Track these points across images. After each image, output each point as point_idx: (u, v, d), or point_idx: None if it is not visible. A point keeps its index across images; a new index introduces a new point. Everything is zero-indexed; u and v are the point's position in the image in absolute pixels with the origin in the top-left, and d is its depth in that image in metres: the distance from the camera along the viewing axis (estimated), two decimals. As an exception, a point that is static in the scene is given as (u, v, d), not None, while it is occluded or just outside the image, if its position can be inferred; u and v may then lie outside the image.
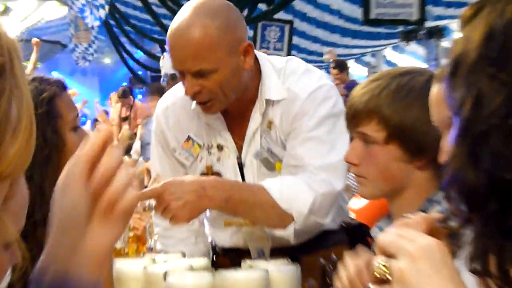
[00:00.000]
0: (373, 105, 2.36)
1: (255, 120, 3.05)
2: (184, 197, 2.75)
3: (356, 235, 3.15)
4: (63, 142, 2.60)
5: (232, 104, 3.01)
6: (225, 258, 3.15)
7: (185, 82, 2.93)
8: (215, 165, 3.13)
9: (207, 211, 3.25)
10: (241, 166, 3.11)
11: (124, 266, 2.67)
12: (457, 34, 1.38)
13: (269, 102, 3.03)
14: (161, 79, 17.38)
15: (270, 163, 3.06)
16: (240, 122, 3.08)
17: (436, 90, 1.98)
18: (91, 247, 1.29)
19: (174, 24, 2.92)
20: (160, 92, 12.30)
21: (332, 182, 2.95)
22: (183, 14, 2.91)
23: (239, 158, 3.11)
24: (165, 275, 2.41)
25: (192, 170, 3.15)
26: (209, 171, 3.12)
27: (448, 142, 1.38)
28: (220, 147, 3.12)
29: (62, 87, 2.68)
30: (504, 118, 1.24)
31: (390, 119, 2.33)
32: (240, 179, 3.10)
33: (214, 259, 3.26)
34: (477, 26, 1.31)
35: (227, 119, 3.11)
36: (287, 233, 2.97)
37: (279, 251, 2.97)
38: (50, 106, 2.58)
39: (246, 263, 2.61)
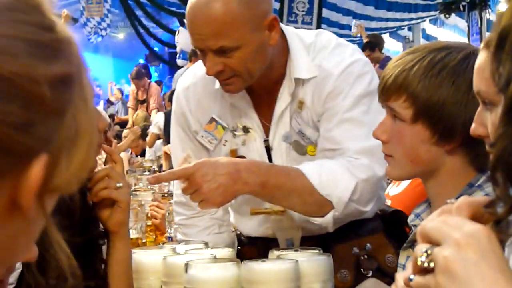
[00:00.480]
0: (402, 79, 2.37)
1: (283, 99, 3.04)
2: (217, 179, 2.74)
3: (392, 223, 3.15)
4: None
5: (258, 82, 3.01)
6: (252, 247, 3.16)
7: (206, 61, 2.92)
8: (240, 149, 3.13)
9: None
10: (268, 150, 3.10)
11: (143, 257, 2.69)
12: (503, 5, 1.38)
13: (298, 81, 3.02)
14: (177, 55, 17.40)
15: (301, 146, 3.05)
16: (268, 102, 3.08)
17: (483, 58, 1.97)
18: None
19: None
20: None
21: (373, 167, 2.93)
22: None
23: (266, 141, 3.11)
24: (186, 266, 2.42)
25: (216, 154, 3.14)
26: (233, 155, 3.11)
27: (486, 117, 1.39)
28: (245, 129, 3.12)
29: None
30: None
31: (419, 96, 2.35)
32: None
33: (240, 248, 3.25)
34: None
35: (253, 99, 3.11)
36: (326, 221, 2.98)
37: (310, 240, 2.97)
38: None
39: (273, 253, 2.62)
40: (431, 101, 2.33)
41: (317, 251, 2.63)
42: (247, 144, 3.12)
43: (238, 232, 3.34)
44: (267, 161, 3.08)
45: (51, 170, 1.06)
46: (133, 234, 3.93)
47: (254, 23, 2.88)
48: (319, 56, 3.05)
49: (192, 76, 3.24)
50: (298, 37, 3.09)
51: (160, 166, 9.08)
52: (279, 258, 2.53)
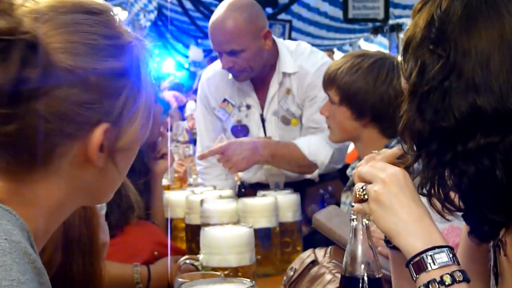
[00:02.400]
0: (333, 76, 2.43)
1: (273, 86, 3.09)
2: (242, 153, 2.87)
3: (345, 174, 3.18)
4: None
5: (258, 74, 3.08)
6: (251, 190, 3.15)
7: (222, 59, 3.01)
8: (243, 119, 3.16)
9: None
10: (263, 121, 3.14)
11: (171, 196, 2.68)
12: (409, 22, 1.38)
13: (285, 74, 3.08)
14: (188, 65, 17.33)
15: (287, 119, 3.10)
16: (263, 88, 3.12)
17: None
18: None
19: (213, 18, 3.00)
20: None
21: None
22: (219, 10, 2.98)
23: (261, 115, 3.14)
24: (201, 202, 2.41)
25: (227, 123, 3.19)
26: (239, 123, 3.17)
27: None
28: (248, 106, 3.15)
29: None
30: (441, 81, 1.24)
31: (343, 87, 2.41)
32: (262, 130, 3.14)
33: (243, 190, 3.26)
34: (422, 15, 1.32)
35: (254, 85, 3.15)
36: (313, 176, 3.09)
37: (290, 185, 2.98)
38: None
39: (260, 193, 2.62)
40: (350, 91, 2.40)
41: (289, 191, 2.63)
42: (249, 117, 3.16)
43: (242, 180, 3.33)
44: (262, 129, 3.13)
45: (116, 133, 1.06)
46: (164, 182, 3.92)
47: (254, 34, 2.96)
48: (299, 59, 3.10)
49: (212, 70, 3.29)
50: (284, 45, 3.16)
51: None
52: (264, 196, 2.53)
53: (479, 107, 1.20)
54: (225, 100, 3.17)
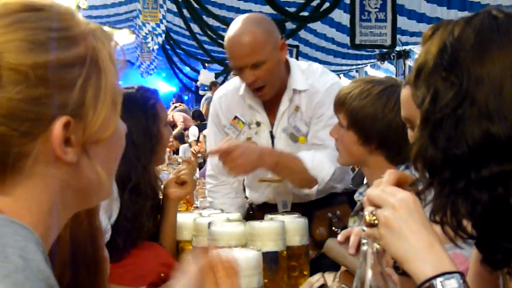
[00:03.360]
0: (343, 100, 2.42)
1: (284, 104, 3.08)
2: (247, 157, 2.81)
3: (353, 198, 3.19)
4: (161, 135, 2.65)
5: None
6: (259, 212, 3.14)
7: (243, 74, 2.97)
8: (253, 137, 3.16)
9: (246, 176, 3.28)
10: (272, 138, 3.14)
11: (179, 218, 2.68)
12: (419, 49, 1.39)
13: (295, 91, 3.07)
14: (199, 88, 17.43)
15: (295, 137, 3.09)
16: (274, 105, 3.11)
17: (406, 92, 1.99)
18: None
19: (230, 33, 2.97)
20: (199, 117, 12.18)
21: None
22: (235, 26, 2.97)
23: (271, 132, 3.14)
24: (209, 224, 2.41)
25: (237, 140, 3.16)
26: (248, 141, 3.16)
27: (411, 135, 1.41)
28: (258, 123, 3.14)
29: (157, 94, 2.72)
30: (454, 109, 1.24)
31: (351, 112, 2.39)
32: (271, 147, 3.12)
33: (251, 213, 3.25)
34: (434, 42, 1.33)
35: (264, 103, 3.14)
36: (311, 192, 3.03)
37: (297, 207, 2.99)
38: (154, 110, 2.62)
39: (268, 217, 2.61)
40: (358, 116, 2.38)
41: (297, 215, 2.63)
42: (258, 134, 3.15)
43: (251, 202, 3.33)
44: (271, 145, 3.12)
45: (81, 125, 1.03)
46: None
47: (273, 44, 2.96)
48: (311, 78, 3.10)
49: (224, 89, 3.30)
50: (296, 64, 3.16)
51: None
52: (272, 220, 2.53)
53: (493, 134, 1.21)
54: (236, 117, 3.19)
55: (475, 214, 1.22)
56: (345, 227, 2.95)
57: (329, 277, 1.82)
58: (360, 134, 2.38)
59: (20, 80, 0.98)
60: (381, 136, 2.33)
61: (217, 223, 2.41)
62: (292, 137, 3.08)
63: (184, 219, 2.67)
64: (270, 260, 2.36)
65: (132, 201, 2.44)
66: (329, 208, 3.04)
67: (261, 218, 2.80)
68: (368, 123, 2.35)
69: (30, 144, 1.00)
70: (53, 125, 1.00)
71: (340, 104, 2.43)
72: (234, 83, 3.23)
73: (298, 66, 3.13)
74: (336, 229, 2.98)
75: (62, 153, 1.02)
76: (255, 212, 3.20)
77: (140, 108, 2.56)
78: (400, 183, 1.37)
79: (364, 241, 1.33)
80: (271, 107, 3.12)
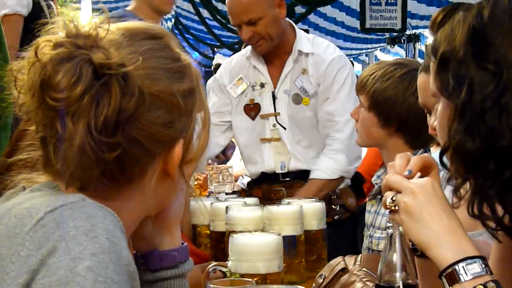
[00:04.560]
0: (365, 82, 2.44)
1: (288, 65, 3.20)
2: None
3: (355, 181, 3.28)
4: None
5: (274, 54, 3.22)
6: (257, 189, 3.24)
7: (241, 31, 3.15)
8: (256, 98, 3.26)
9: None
10: (274, 99, 3.22)
11: (196, 203, 2.67)
12: (435, 36, 1.33)
13: (300, 53, 3.19)
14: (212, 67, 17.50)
15: (299, 98, 3.18)
16: (277, 68, 3.24)
17: (422, 79, 1.99)
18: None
19: None
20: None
21: (350, 145, 3.06)
22: None
23: (273, 92, 3.23)
24: (226, 209, 2.41)
25: (240, 102, 3.30)
26: (251, 102, 3.27)
27: (434, 120, 1.37)
28: (262, 85, 3.25)
29: None
30: (497, 100, 1.19)
31: (372, 94, 2.41)
32: (273, 107, 3.22)
33: (249, 193, 3.31)
34: (457, 28, 1.26)
35: (270, 65, 3.25)
36: (346, 183, 3.21)
37: (300, 176, 3.12)
38: None
39: (285, 201, 2.61)
40: (378, 98, 2.41)
41: (314, 199, 2.63)
42: (262, 95, 3.25)
43: (248, 181, 3.42)
44: (272, 105, 3.21)
45: (186, 148, 1.15)
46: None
47: (269, 2, 3.13)
48: (316, 47, 3.23)
49: (230, 57, 3.51)
50: (302, 32, 3.32)
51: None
52: (289, 204, 2.52)
53: None
54: (240, 78, 3.30)
55: None
56: (343, 205, 3.03)
57: (350, 260, 1.82)
58: (380, 116, 2.39)
59: (161, 106, 1.10)
60: (400, 119, 2.33)
61: (235, 208, 2.41)
62: (295, 99, 3.18)
63: (200, 203, 2.65)
64: (288, 244, 2.35)
65: None
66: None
67: (259, 195, 3.04)
68: (389, 106, 2.36)
69: (155, 163, 1.12)
70: (176, 147, 1.13)
71: (363, 85, 2.44)
72: (244, 50, 3.37)
73: (305, 35, 3.28)
74: (335, 207, 3.03)
75: (174, 172, 1.14)
76: (254, 190, 3.25)
77: None
78: (424, 167, 1.35)
79: (389, 224, 1.32)
80: (275, 69, 3.24)
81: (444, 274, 1.20)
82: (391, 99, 2.36)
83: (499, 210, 1.22)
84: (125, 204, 1.11)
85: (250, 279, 1.57)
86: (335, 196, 3.11)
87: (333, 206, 3.06)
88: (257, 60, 3.26)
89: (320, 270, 2.46)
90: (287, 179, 3.18)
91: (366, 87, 2.42)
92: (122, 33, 1.12)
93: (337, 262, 1.82)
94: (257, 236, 1.88)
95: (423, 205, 1.25)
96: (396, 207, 1.29)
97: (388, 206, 1.29)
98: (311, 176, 3.10)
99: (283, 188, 3.13)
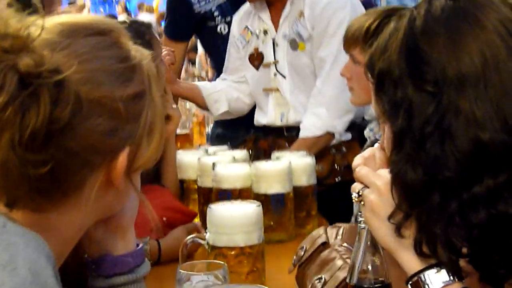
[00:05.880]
0: (357, 36, 2.25)
1: (286, 8, 3.04)
2: None
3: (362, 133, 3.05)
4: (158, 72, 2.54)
5: (274, 1, 3.05)
6: (264, 141, 3.10)
7: None
8: (260, 46, 3.11)
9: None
10: (274, 46, 3.08)
11: (184, 157, 2.60)
12: (369, 50, 1.21)
13: None
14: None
15: (295, 43, 3.00)
16: (278, 12, 3.07)
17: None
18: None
19: None
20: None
21: (339, 94, 2.84)
22: None
23: (273, 39, 3.08)
24: (213, 165, 2.34)
25: (245, 50, 3.17)
26: (256, 51, 3.13)
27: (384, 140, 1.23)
28: (265, 32, 3.09)
29: (151, 28, 2.58)
30: (438, 124, 1.07)
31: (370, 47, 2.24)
32: (273, 55, 3.07)
33: (257, 144, 3.15)
34: (390, 41, 1.14)
35: (270, 10, 3.10)
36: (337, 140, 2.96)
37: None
38: (150, 47, 2.48)
39: (274, 155, 2.53)
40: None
41: (304, 153, 2.54)
42: (265, 43, 3.09)
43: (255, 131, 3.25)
44: (273, 54, 3.06)
45: (134, 156, 1.05)
46: (185, 131, 3.83)
47: None
48: None
49: (238, 12, 3.27)
50: None
51: (207, 72, 8.85)
52: (278, 159, 2.44)
53: (484, 143, 1.04)
54: (245, 27, 3.18)
55: (473, 237, 1.06)
56: (348, 166, 2.83)
57: (332, 233, 1.74)
58: None
59: (102, 113, 0.99)
60: None
61: (222, 164, 2.34)
62: (292, 44, 3.01)
63: (189, 157, 2.58)
64: (276, 202, 2.30)
65: None
66: (334, 144, 2.93)
67: (265, 147, 2.90)
68: None
69: (96, 174, 1.02)
70: (120, 156, 1.03)
71: (354, 39, 2.28)
72: None
73: None
74: (337, 167, 2.89)
75: (119, 182, 1.04)
76: (261, 141, 3.12)
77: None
78: None
79: (360, 218, 1.24)
80: (277, 13, 3.08)
81: (410, 282, 1.12)
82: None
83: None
84: (63, 217, 1.02)
85: (221, 262, 1.51)
86: (340, 156, 2.95)
87: (336, 167, 2.92)
88: (260, 5, 3.11)
89: (310, 225, 2.42)
90: (293, 134, 3.02)
91: (359, 40, 2.27)
92: (60, 31, 1.00)
93: (319, 234, 1.74)
94: (236, 207, 1.80)
95: (390, 204, 1.15)
96: (363, 203, 1.20)
97: (355, 201, 1.21)
98: (301, 132, 2.94)
99: (286, 143, 2.99)
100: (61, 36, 0.99)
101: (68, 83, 0.94)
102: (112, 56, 1.03)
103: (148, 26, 2.51)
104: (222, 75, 3.33)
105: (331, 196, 2.68)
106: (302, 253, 1.71)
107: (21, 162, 0.92)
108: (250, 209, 1.80)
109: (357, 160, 1.28)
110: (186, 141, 3.93)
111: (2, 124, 0.91)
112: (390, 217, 1.13)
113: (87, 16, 1.08)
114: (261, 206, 1.82)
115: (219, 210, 1.79)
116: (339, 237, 1.72)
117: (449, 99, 1.06)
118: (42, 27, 0.96)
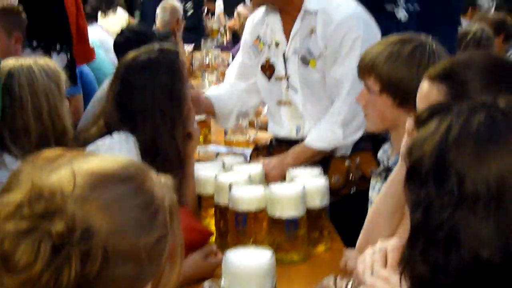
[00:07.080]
0: (371, 65, 2.34)
1: (296, 24, 3.03)
2: (271, 163, 2.95)
3: (379, 143, 3.08)
4: (186, 97, 2.60)
5: (286, 14, 3.04)
6: (279, 149, 3.13)
7: None
8: (271, 58, 3.12)
9: (266, 108, 3.35)
10: (285, 60, 3.07)
11: (202, 171, 2.67)
12: (415, 136, 1.24)
13: (307, 12, 2.98)
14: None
15: (306, 59, 3.01)
16: (290, 23, 3.06)
17: (425, 88, 1.91)
18: None
19: None
20: None
21: (352, 107, 2.85)
22: None
23: (284, 53, 3.08)
24: (230, 187, 2.41)
25: (257, 61, 3.17)
26: (267, 63, 3.13)
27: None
28: (277, 44, 3.09)
29: (178, 53, 2.63)
30: (449, 232, 1.13)
31: (383, 76, 2.31)
32: (284, 69, 3.07)
33: (271, 150, 3.21)
34: (429, 138, 1.18)
35: (283, 23, 3.09)
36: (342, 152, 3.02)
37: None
38: (179, 71, 2.59)
39: (289, 175, 2.60)
40: (391, 79, 2.30)
41: (318, 170, 2.61)
42: (276, 55, 3.10)
43: (271, 139, 3.29)
44: (284, 68, 3.06)
45: (156, 285, 1.10)
46: (201, 117, 3.84)
47: None
48: (326, 4, 2.98)
49: (253, 16, 3.27)
50: None
51: (224, 27, 8.77)
52: (292, 181, 2.51)
53: (482, 261, 1.11)
54: (258, 37, 3.17)
55: None
56: (363, 176, 2.89)
57: (341, 285, 1.83)
58: (396, 96, 2.32)
59: (130, 260, 1.03)
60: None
61: (238, 187, 2.41)
62: (303, 60, 3.02)
63: (207, 173, 2.66)
64: (290, 225, 2.38)
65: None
66: (348, 156, 2.98)
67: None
68: (405, 84, 2.28)
69: None
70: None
71: (368, 69, 2.34)
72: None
73: None
74: (352, 178, 2.94)
75: None
76: (275, 149, 3.17)
77: (165, 72, 2.49)
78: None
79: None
80: (287, 23, 3.07)
81: None
82: (405, 77, 2.28)
83: None
84: None
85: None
86: (354, 168, 2.97)
87: (350, 178, 2.97)
88: (273, 17, 3.10)
89: (322, 244, 2.51)
90: None
91: (373, 70, 2.31)
92: (89, 182, 1.03)
93: (328, 285, 1.83)
94: (250, 257, 1.89)
95: None
96: None
97: None
98: (308, 139, 2.96)
99: None
100: (91, 189, 1.03)
101: (96, 238, 0.99)
102: (138, 205, 1.07)
103: (174, 51, 2.57)
104: (232, 80, 3.32)
105: (345, 206, 2.76)
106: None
107: None
108: (263, 260, 1.88)
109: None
110: (204, 126, 4.03)
111: None
112: None
113: (113, 159, 1.11)
114: (274, 258, 1.90)
115: (234, 260, 1.88)
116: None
117: (462, 212, 1.12)
118: (74, 183, 1.01)
